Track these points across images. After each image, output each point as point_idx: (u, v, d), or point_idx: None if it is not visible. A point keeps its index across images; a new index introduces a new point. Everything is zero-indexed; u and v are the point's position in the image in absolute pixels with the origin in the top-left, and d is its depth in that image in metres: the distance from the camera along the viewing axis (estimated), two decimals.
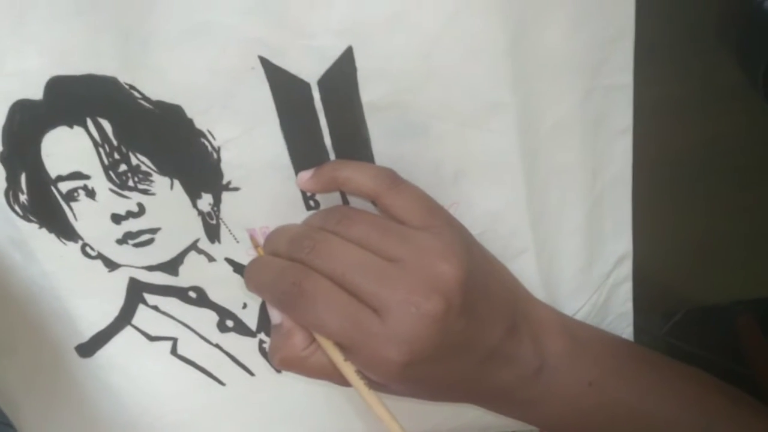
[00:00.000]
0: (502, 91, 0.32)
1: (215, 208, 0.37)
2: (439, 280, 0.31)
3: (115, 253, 0.39)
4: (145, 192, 0.36)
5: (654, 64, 0.35)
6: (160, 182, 0.36)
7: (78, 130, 0.34)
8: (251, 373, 0.44)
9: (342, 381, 0.33)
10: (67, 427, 0.47)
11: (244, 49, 0.31)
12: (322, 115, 0.33)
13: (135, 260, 0.39)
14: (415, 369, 0.31)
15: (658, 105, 0.36)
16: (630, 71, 0.34)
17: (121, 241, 0.38)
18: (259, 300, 0.41)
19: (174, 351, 0.43)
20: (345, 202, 0.37)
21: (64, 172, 0.36)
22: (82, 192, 0.36)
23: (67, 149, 0.35)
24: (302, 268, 0.32)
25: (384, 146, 0.34)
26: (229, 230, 0.38)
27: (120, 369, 0.44)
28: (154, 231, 0.38)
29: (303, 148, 0.35)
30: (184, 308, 0.41)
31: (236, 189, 0.36)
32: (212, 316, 0.42)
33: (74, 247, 0.38)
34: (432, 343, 0.31)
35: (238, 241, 0.38)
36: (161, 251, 0.39)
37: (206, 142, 0.34)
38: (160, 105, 0.33)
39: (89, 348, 0.43)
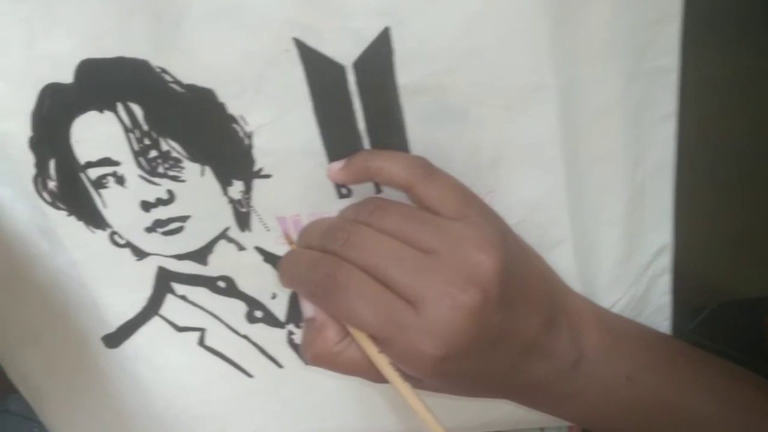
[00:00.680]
0: (544, 73, 0.31)
1: (246, 196, 0.36)
2: (475, 271, 0.30)
3: (144, 241, 0.38)
4: (175, 179, 0.36)
5: (699, 47, 0.34)
6: (191, 169, 0.35)
7: (108, 114, 0.34)
8: (279, 365, 0.44)
9: (375, 377, 0.32)
10: (92, 418, 0.47)
11: (278, 31, 0.31)
12: (357, 98, 0.33)
13: (164, 249, 0.38)
14: (450, 363, 0.30)
15: (701, 89, 0.35)
16: (676, 54, 0.33)
17: (150, 229, 0.37)
18: (289, 290, 0.40)
19: (202, 342, 0.43)
20: (378, 189, 0.36)
21: (94, 158, 0.35)
22: (111, 179, 0.36)
23: (96, 135, 0.34)
24: (335, 259, 0.31)
25: (419, 131, 0.34)
26: (260, 218, 0.37)
27: (146, 360, 0.43)
28: (183, 219, 0.37)
29: (336, 133, 0.34)
30: (213, 298, 0.41)
31: (268, 176, 0.35)
32: (241, 307, 0.41)
33: (102, 236, 0.38)
34: (468, 336, 0.30)
35: (268, 230, 0.37)
36: (191, 240, 0.38)
37: (238, 128, 0.33)
38: (192, 89, 0.32)
39: (116, 338, 0.42)
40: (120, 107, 0.33)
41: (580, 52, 0.32)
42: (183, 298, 0.41)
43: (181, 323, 0.42)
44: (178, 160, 0.35)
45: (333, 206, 0.36)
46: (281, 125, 0.33)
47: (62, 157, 0.35)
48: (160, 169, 0.35)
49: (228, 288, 0.40)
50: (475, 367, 0.32)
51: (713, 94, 0.36)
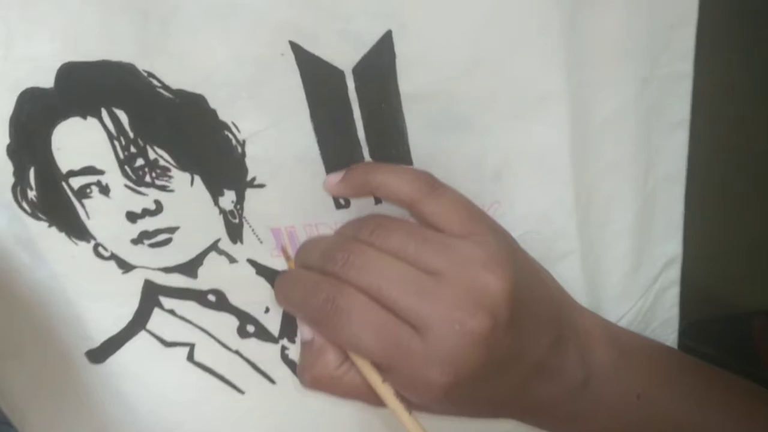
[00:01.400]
0: (554, 79, 0.30)
1: (238, 206, 0.34)
2: (483, 293, 0.28)
3: (130, 253, 0.36)
4: (163, 188, 0.34)
5: (711, 51, 0.32)
6: (180, 178, 0.34)
7: (92, 121, 0.32)
8: (272, 381, 0.42)
9: (377, 402, 0.31)
10: None
11: (273, 34, 0.29)
12: (356, 105, 0.31)
13: (151, 261, 0.37)
14: (458, 390, 0.29)
15: (714, 96, 0.34)
16: (690, 59, 0.31)
17: (136, 241, 0.36)
18: None
19: (191, 357, 0.41)
20: (378, 200, 0.34)
21: (77, 166, 0.33)
22: (95, 188, 0.34)
23: (79, 142, 0.33)
24: (336, 282, 0.29)
25: (422, 140, 0.32)
26: (253, 230, 0.35)
27: (133, 376, 0.42)
28: (172, 230, 0.35)
29: (334, 142, 0.32)
30: (203, 312, 0.39)
31: (261, 186, 0.34)
32: (232, 321, 0.39)
33: (86, 247, 0.36)
34: (477, 362, 0.28)
35: (261, 242, 0.36)
36: (179, 252, 0.36)
37: (230, 135, 0.32)
38: (181, 94, 0.31)
39: (100, 354, 0.41)
40: (104, 113, 0.32)
41: (592, 57, 0.30)
42: (171, 312, 0.39)
43: (169, 338, 0.40)
44: (166, 169, 0.33)
45: (330, 217, 0.34)
46: (276, 133, 0.32)
47: (43, 166, 0.33)
48: (147, 179, 0.34)
49: (218, 302, 0.38)
50: (483, 392, 0.30)
51: (727, 100, 0.34)
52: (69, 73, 0.30)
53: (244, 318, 0.39)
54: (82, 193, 0.34)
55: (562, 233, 0.35)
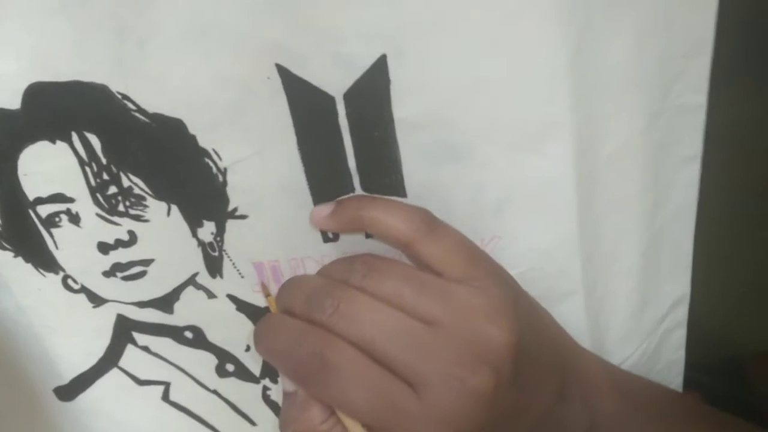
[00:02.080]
0: (559, 109, 0.28)
1: (218, 239, 0.32)
2: (486, 347, 0.26)
3: (102, 286, 0.34)
4: (137, 218, 0.32)
5: (722, 85, 0.30)
6: (156, 207, 0.31)
7: (61, 145, 0.30)
8: (253, 423, 0.40)
9: None
10: None
11: (259, 56, 0.27)
12: (347, 133, 0.29)
13: (124, 295, 0.35)
14: None
15: (725, 130, 0.32)
16: (705, 91, 0.30)
17: (108, 274, 0.34)
18: None
19: (166, 397, 0.39)
20: (368, 233, 0.32)
21: (45, 193, 0.31)
22: (64, 217, 0.32)
23: (48, 167, 0.30)
24: (324, 334, 0.27)
25: (417, 170, 0.30)
26: (233, 264, 0.33)
27: (105, 415, 0.40)
28: (146, 263, 0.33)
29: (322, 172, 0.30)
30: (179, 350, 0.37)
31: (243, 217, 0.31)
32: (210, 359, 0.37)
33: (54, 279, 0.34)
34: (478, 421, 0.26)
35: (242, 276, 0.33)
36: (154, 286, 0.34)
37: (210, 163, 0.30)
38: (158, 118, 0.29)
39: (70, 391, 0.38)
40: (75, 137, 0.30)
41: (600, 87, 0.28)
42: (145, 348, 0.37)
43: (143, 376, 0.38)
44: (141, 198, 0.31)
45: (317, 251, 0.32)
46: (260, 161, 0.30)
47: (8, 192, 0.31)
48: (121, 207, 0.31)
49: (196, 339, 0.36)
50: None
51: (738, 134, 0.33)
52: (37, 93, 0.28)
53: (223, 356, 0.37)
54: (51, 221, 0.32)
55: (566, 271, 0.33)
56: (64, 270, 0.34)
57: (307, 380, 0.27)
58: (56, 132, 0.30)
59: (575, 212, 0.31)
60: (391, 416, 0.26)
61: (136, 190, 0.31)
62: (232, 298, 0.34)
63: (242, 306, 0.35)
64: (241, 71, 0.27)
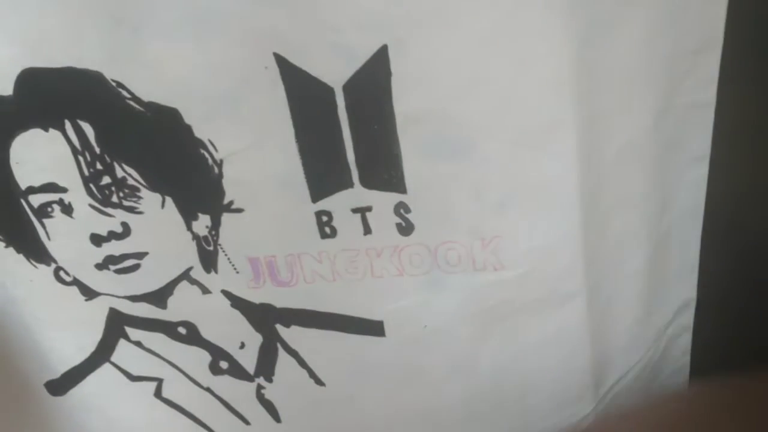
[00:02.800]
0: (563, 106, 0.27)
1: (213, 232, 0.32)
2: None
3: (94, 279, 0.34)
4: (131, 210, 0.31)
5: (732, 82, 0.30)
6: (150, 199, 0.31)
7: (54, 133, 0.29)
8: (246, 422, 0.39)
9: None
10: None
11: (256, 45, 0.27)
12: (346, 126, 0.28)
13: (117, 289, 0.34)
14: None
15: (734, 129, 0.31)
16: (713, 88, 0.29)
17: (101, 266, 0.33)
18: (259, 339, 0.36)
19: (158, 393, 0.38)
20: (367, 230, 0.31)
21: (37, 183, 0.31)
22: (57, 207, 0.31)
23: (40, 156, 0.30)
24: None
25: (417, 165, 0.29)
26: (228, 258, 0.33)
27: (96, 411, 0.39)
28: (140, 256, 0.33)
29: (321, 165, 0.30)
30: (172, 345, 0.36)
31: (239, 210, 0.31)
32: (204, 356, 0.37)
33: (46, 271, 0.34)
34: None
35: (238, 272, 0.33)
36: (148, 279, 0.34)
37: (206, 154, 0.29)
38: (153, 107, 0.28)
39: (61, 386, 0.38)
40: (68, 125, 0.29)
41: (606, 83, 0.28)
42: (138, 344, 0.36)
43: (135, 372, 0.37)
44: (135, 189, 0.31)
45: (314, 247, 0.32)
46: (257, 153, 0.29)
47: (0, 181, 0.31)
48: (114, 199, 0.31)
49: (189, 335, 0.36)
50: None
51: (748, 133, 0.32)
52: (29, 79, 0.28)
53: (217, 353, 0.36)
54: (43, 212, 0.32)
55: (568, 273, 0.32)
56: (56, 261, 0.33)
57: None
58: (49, 119, 0.29)
59: (579, 212, 0.30)
60: None
61: (130, 181, 0.30)
62: (227, 293, 0.34)
63: (237, 302, 0.34)
64: (238, 60, 0.27)
